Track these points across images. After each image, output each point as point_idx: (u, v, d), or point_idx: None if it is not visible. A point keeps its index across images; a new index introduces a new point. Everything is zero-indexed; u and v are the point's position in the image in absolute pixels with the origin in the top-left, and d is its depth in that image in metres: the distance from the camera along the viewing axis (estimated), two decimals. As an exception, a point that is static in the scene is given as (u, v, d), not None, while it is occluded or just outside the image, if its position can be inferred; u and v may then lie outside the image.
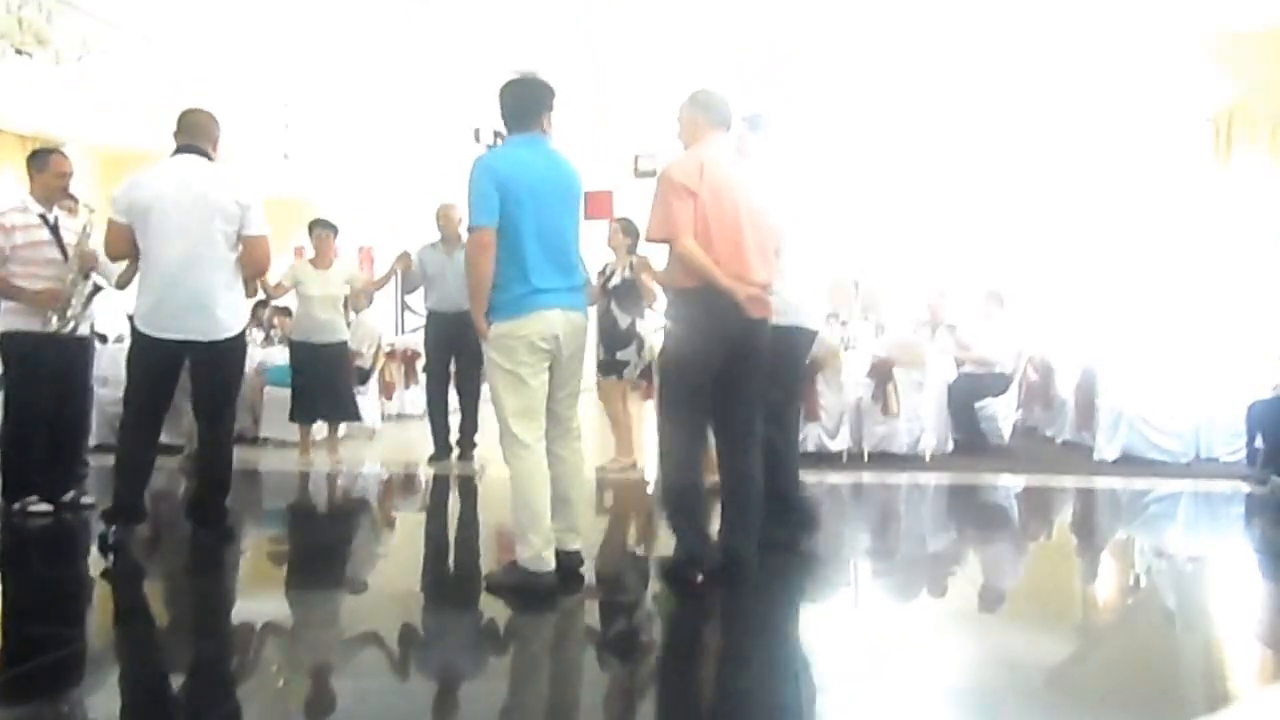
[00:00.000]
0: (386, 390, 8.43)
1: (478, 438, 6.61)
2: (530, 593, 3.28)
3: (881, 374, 6.46)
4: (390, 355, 8.65)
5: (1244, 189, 7.89)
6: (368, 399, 7.84)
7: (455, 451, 6.57)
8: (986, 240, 12.74)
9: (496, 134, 3.61)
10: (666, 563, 3.58)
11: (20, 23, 5.30)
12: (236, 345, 4.09)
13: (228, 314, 3.99)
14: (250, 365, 7.39)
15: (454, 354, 6.51)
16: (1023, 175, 11.14)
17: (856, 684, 2.73)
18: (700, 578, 3.43)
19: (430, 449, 6.58)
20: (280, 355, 7.67)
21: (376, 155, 10.68)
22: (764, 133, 4.03)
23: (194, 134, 4.03)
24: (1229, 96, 7.54)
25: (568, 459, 3.49)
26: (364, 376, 7.71)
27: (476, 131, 3.68)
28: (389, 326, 12.21)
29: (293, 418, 6.60)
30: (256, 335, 8.21)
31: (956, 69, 7.77)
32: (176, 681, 2.80)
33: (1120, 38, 6.69)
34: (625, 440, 6.22)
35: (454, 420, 6.72)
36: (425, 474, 6.38)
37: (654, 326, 6.29)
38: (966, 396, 7.07)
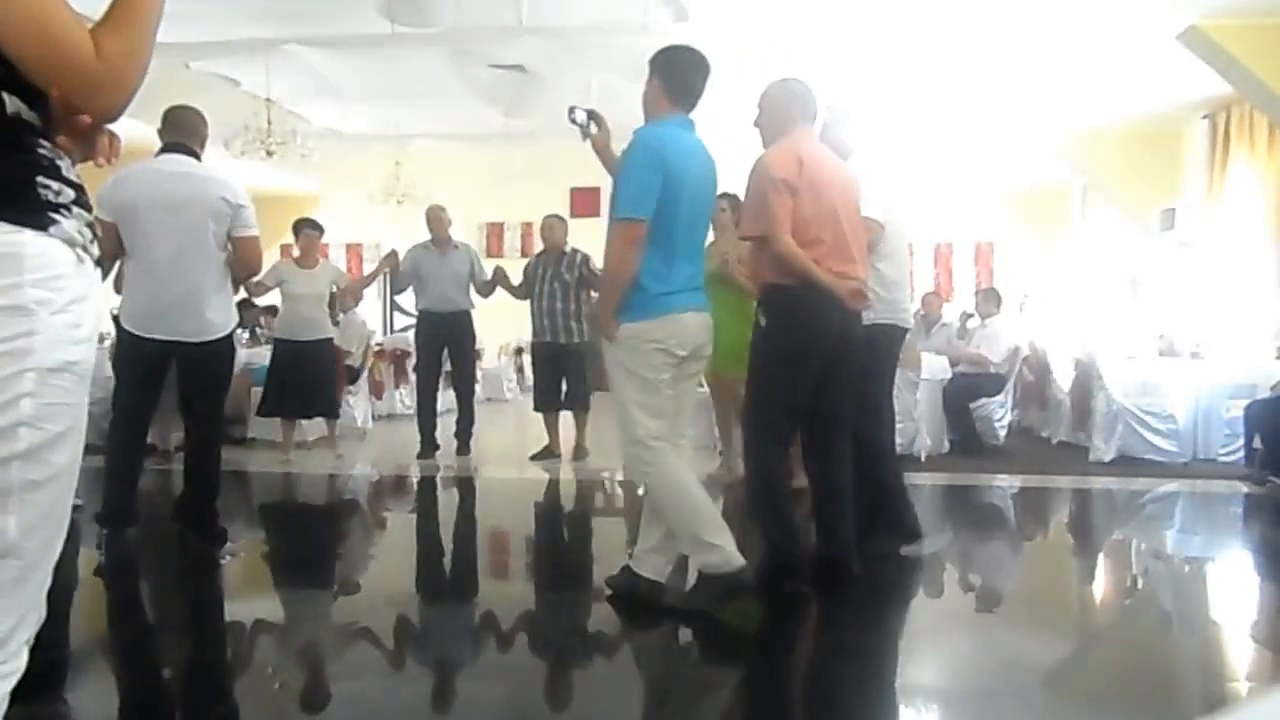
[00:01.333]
0: (376, 390, 8.35)
1: (472, 441, 6.60)
2: (746, 595, 3.04)
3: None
4: (379, 354, 8.57)
5: (1241, 185, 7.86)
6: (358, 398, 7.76)
7: (438, 448, 6.58)
8: (982, 238, 12.76)
9: (589, 114, 3.28)
10: (759, 568, 3.34)
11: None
12: (224, 346, 4.03)
13: (217, 315, 3.94)
14: (237, 365, 7.35)
15: (447, 352, 6.57)
16: (1017, 172, 11.10)
17: (852, 684, 2.69)
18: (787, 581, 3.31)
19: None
20: (267, 355, 7.58)
21: (363, 150, 10.60)
22: (850, 126, 3.88)
23: (181, 131, 3.94)
24: (1225, 94, 7.49)
25: None
26: (354, 376, 7.63)
27: (571, 110, 3.39)
28: (378, 326, 12.17)
29: (259, 412, 6.58)
30: (242, 335, 8.11)
31: (953, 68, 7.71)
32: (170, 683, 2.77)
33: (1118, 32, 6.62)
34: None
35: (443, 421, 6.68)
36: (417, 475, 6.30)
37: None
38: (962, 396, 7.01)
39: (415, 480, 6.25)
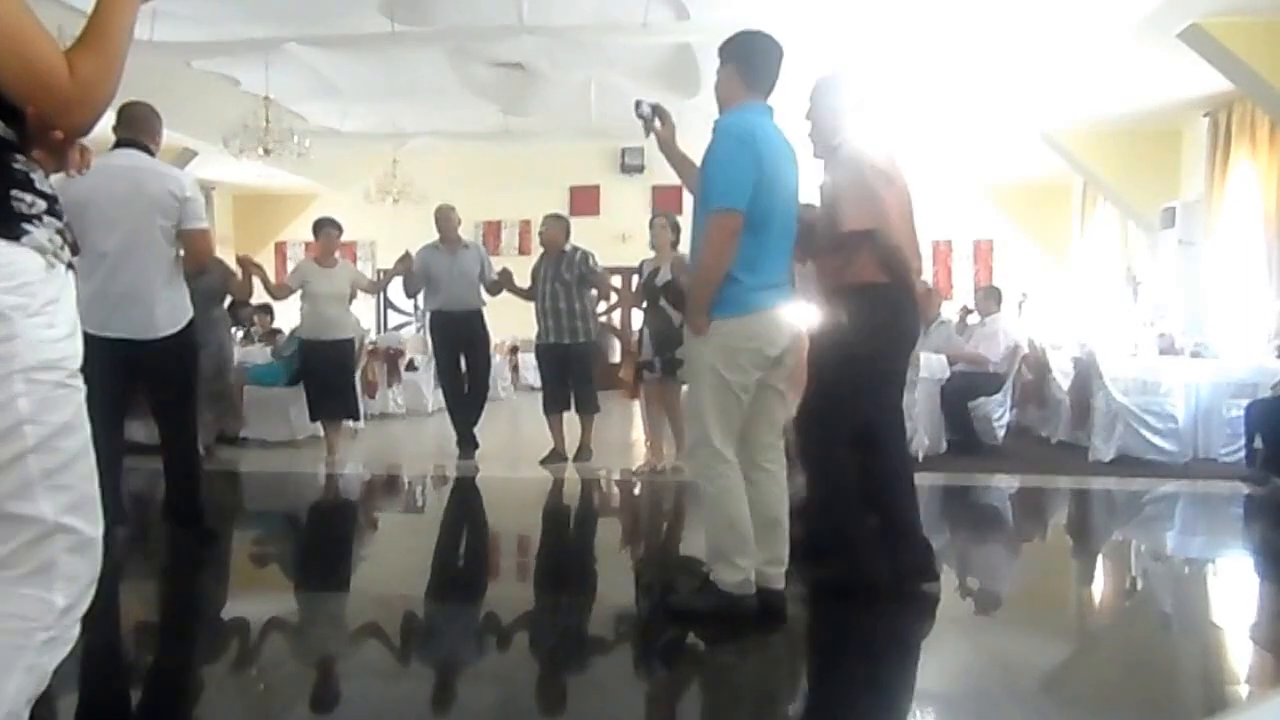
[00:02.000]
0: (369, 389, 8.31)
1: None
2: (729, 619, 2.96)
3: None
4: (373, 353, 8.55)
5: (1242, 184, 7.84)
6: (355, 398, 7.75)
7: (478, 446, 6.59)
8: (981, 236, 12.75)
9: (654, 108, 3.17)
10: (828, 581, 3.30)
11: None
12: (180, 343, 3.93)
13: (167, 311, 3.86)
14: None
15: (463, 351, 6.56)
16: (1018, 170, 11.10)
17: (850, 687, 2.69)
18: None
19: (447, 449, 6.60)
20: (260, 354, 7.56)
21: (363, 150, 10.60)
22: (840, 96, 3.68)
23: (133, 127, 3.90)
24: (1226, 92, 7.48)
25: (776, 474, 3.09)
26: (350, 374, 7.63)
27: (638, 104, 3.17)
28: (371, 324, 12.15)
29: (313, 417, 6.62)
30: (236, 334, 8.10)
31: (954, 66, 7.71)
32: (157, 682, 2.76)
33: (1119, 30, 6.62)
34: (680, 441, 5.91)
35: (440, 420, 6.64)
36: (417, 475, 6.30)
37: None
38: (960, 395, 6.99)
39: (409, 481, 6.25)
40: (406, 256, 6.42)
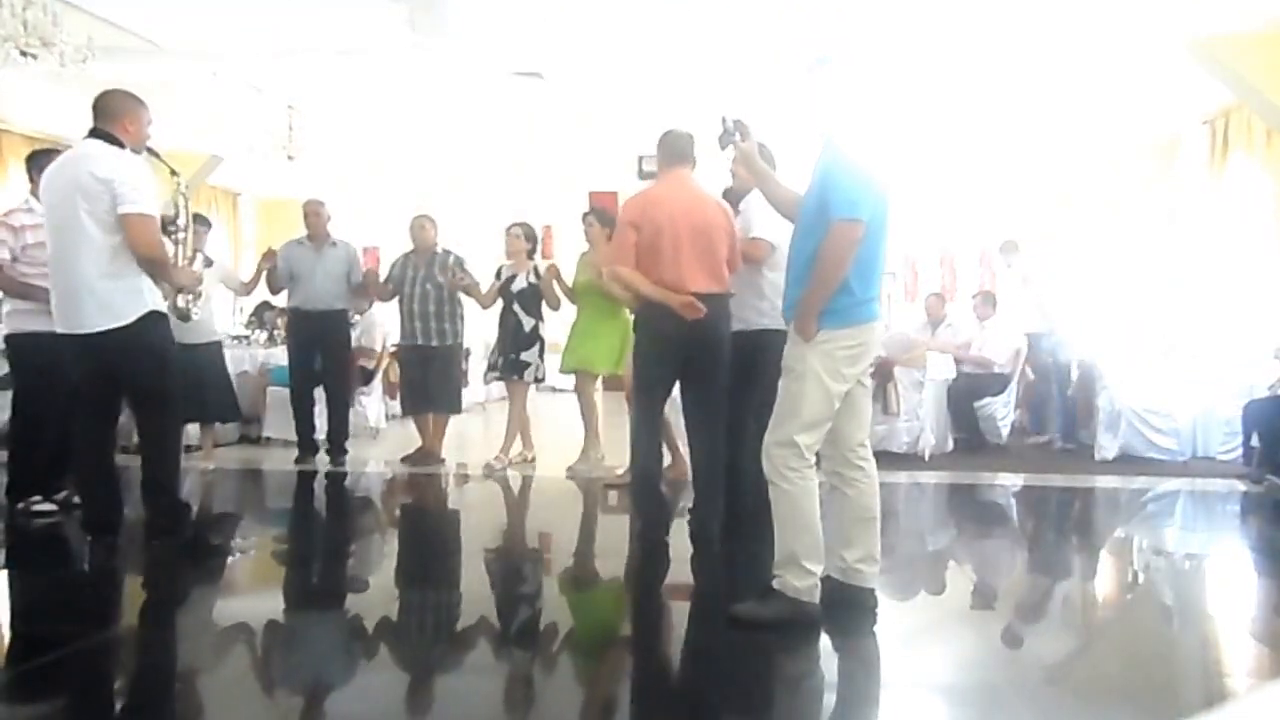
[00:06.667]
0: (390, 390, 8.45)
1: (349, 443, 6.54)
2: (798, 626, 2.95)
3: (882, 374, 6.51)
4: (395, 355, 8.67)
5: (1240, 191, 7.95)
6: (371, 399, 7.86)
7: (317, 452, 6.42)
8: (985, 239, 12.83)
9: (736, 123, 3.28)
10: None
11: (25, 25, 5.34)
12: (132, 335, 3.69)
13: (110, 301, 3.64)
14: (254, 365, 7.49)
15: (319, 353, 6.35)
16: (1021, 176, 11.19)
17: (856, 681, 2.77)
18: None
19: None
20: (282, 356, 7.69)
21: (383, 155, 10.72)
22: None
23: (99, 116, 3.75)
24: (1225, 100, 7.59)
25: (870, 470, 3.13)
26: (368, 377, 7.74)
27: (723, 119, 3.28)
28: (394, 327, 12.26)
29: None
30: (259, 336, 8.28)
31: (964, 78, 7.80)
32: (182, 681, 2.76)
33: (1117, 41, 6.73)
34: (526, 436, 6.34)
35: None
36: (464, 473, 6.29)
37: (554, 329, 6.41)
38: (966, 396, 7.13)
39: (434, 480, 6.20)
40: (270, 253, 6.20)
